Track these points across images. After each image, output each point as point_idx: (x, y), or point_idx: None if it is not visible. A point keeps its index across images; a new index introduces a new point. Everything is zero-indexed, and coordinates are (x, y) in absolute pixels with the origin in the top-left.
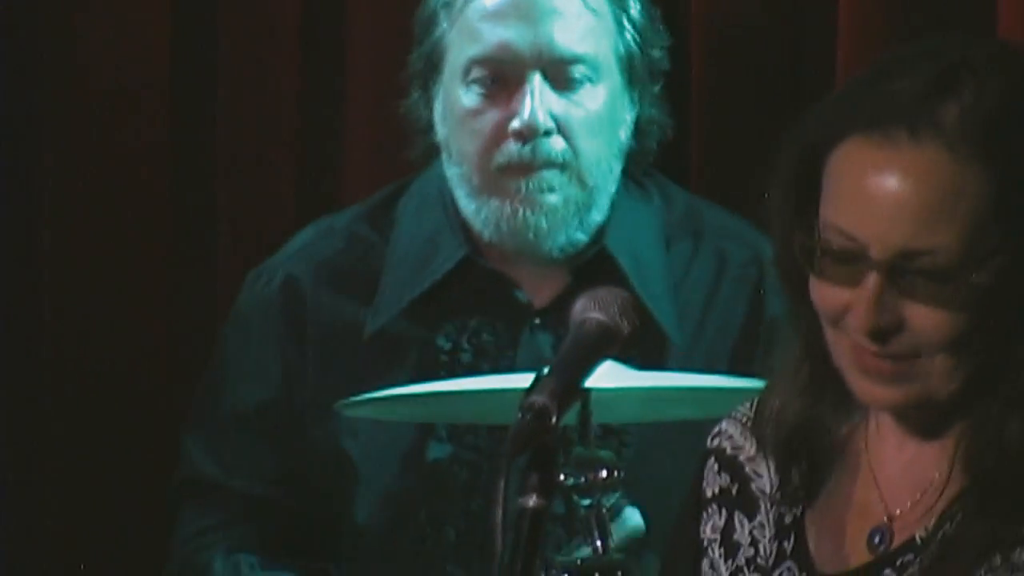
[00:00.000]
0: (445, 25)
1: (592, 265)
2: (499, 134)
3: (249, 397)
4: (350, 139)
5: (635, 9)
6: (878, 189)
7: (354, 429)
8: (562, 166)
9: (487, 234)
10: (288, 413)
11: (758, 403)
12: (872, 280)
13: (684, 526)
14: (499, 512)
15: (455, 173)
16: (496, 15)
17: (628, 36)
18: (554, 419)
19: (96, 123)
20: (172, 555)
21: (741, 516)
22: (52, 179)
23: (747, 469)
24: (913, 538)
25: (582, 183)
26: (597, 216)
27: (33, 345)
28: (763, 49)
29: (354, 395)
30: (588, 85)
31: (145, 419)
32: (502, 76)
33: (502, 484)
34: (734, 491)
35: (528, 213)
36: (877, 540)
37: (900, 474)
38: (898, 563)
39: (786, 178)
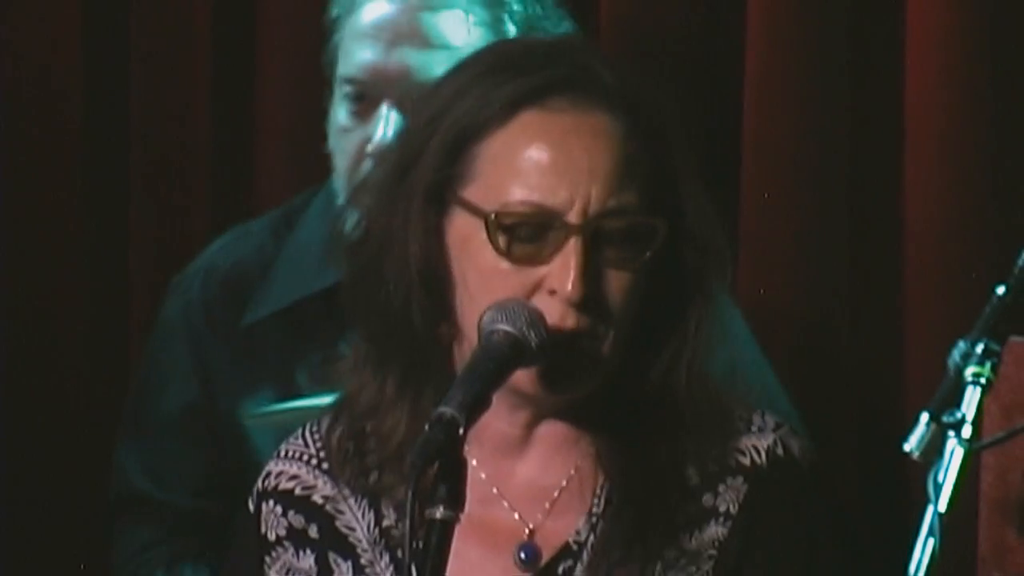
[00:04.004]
0: (339, 33)
1: None
2: (361, 153)
3: (173, 403)
4: (262, 142)
5: (513, 32)
6: (572, 152)
7: (265, 430)
8: None
9: None
10: (211, 415)
11: (325, 436)
12: (575, 246)
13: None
14: (407, 523)
15: (337, 186)
16: (367, 35)
17: None
18: (462, 430)
19: (7, 131)
20: (115, 573)
21: (336, 556)
22: None
23: (328, 508)
24: (567, 544)
25: None
26: None
27: None
28: (674, 59)
29: (256, 394)
30: None
31: (57, 421)
32: (367, 96)
33: (410, 495)
34: (314, 531)
35: None
36: (523, 557)
37: (526, 487)
38: (560, 571)
39: (430, 168)
